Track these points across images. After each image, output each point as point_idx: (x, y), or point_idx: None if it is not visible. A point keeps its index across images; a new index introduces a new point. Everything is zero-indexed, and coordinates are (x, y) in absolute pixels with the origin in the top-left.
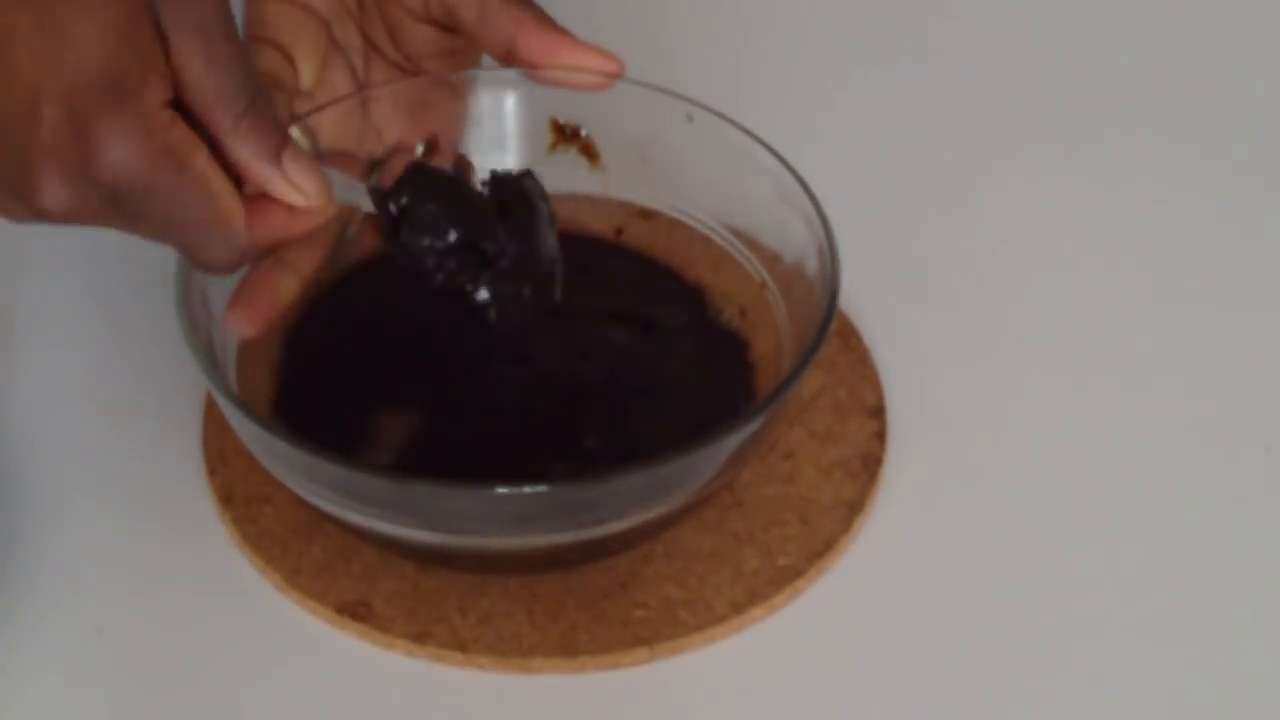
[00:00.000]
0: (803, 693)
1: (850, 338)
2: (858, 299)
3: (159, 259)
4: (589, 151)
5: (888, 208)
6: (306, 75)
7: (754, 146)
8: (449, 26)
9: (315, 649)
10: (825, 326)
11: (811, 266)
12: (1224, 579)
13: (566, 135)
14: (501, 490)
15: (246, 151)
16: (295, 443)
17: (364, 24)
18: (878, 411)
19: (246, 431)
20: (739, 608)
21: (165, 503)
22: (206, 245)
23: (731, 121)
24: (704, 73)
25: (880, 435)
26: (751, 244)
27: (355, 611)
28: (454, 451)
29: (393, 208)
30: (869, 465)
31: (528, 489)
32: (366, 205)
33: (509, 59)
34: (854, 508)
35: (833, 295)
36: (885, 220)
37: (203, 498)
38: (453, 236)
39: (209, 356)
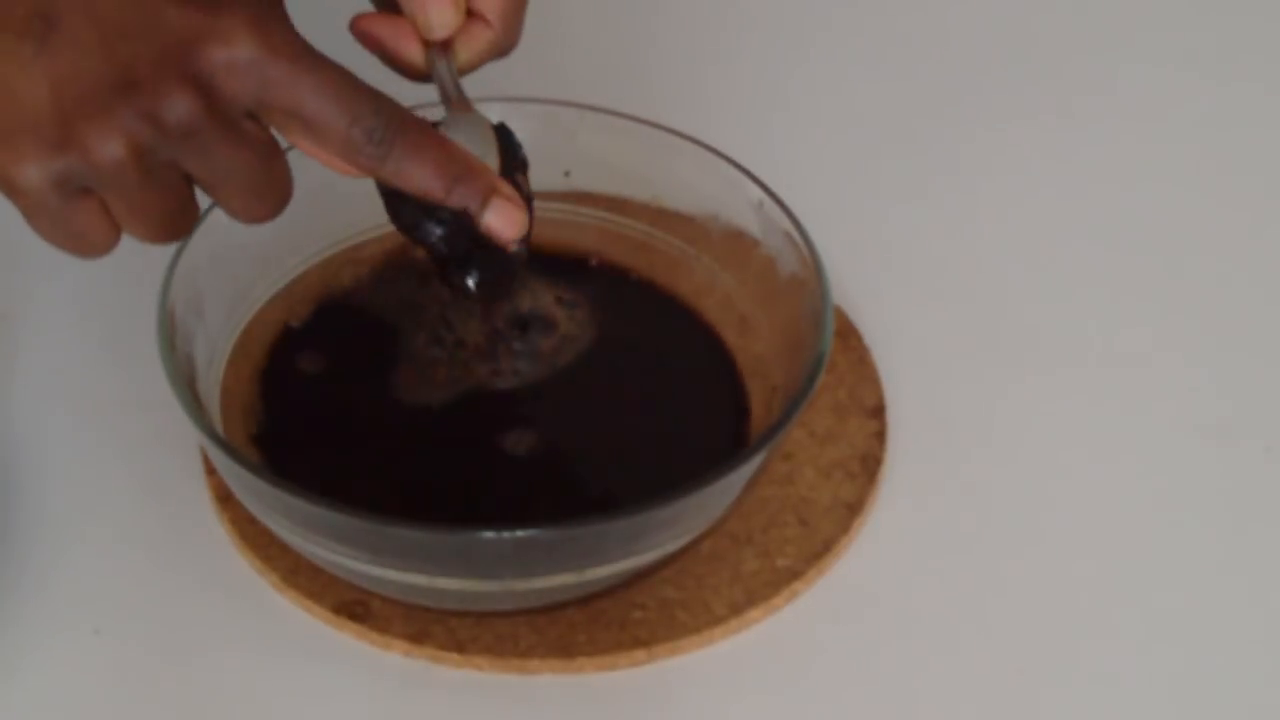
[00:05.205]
0: (801, 694)
1: (850, 338)
2: (857, 299)
3: (157, 260)
4: None
5: (887, 208)
6: None
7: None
8: None
9: (313, 649)
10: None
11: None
12: (1224, 579)
13: None
14: (487, 534)
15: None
16: (272, 481)
17: None
18: (877, 412)
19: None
20: (737, 609)
21: (163, 503)
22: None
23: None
24: (704, 75)
25: (880, 436)
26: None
27: (353, 611)
28: (430, 495)
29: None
30: (868, 466)
31: (509, 534)
32: None
33: None
34: (853, 509)
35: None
36: (885, 220)
37: (201, 498)
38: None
39: (193, 398)
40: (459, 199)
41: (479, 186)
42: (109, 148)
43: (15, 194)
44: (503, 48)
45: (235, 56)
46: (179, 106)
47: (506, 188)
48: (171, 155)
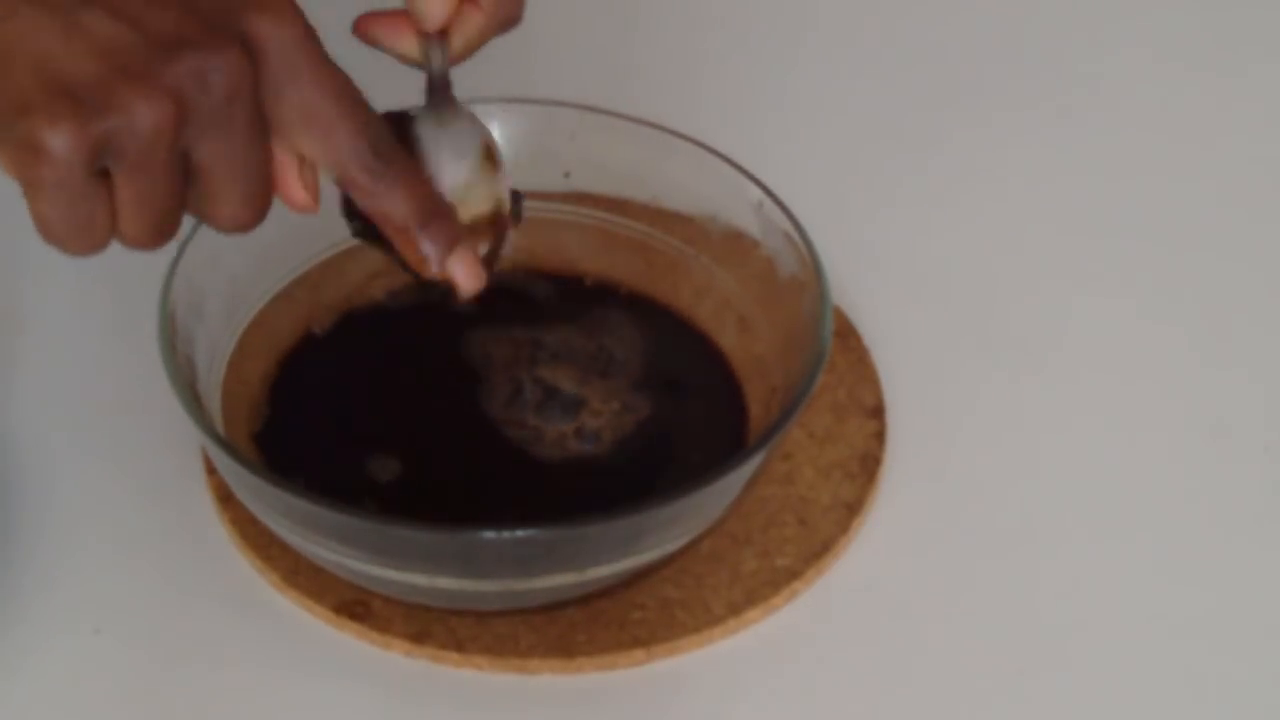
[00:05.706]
0: (800, 695)
1: (849, 338)
2: (857, 299)
3: (157, 260)
4: None
5: (887, 208)
6: None
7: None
8: None
9: (313, 648)
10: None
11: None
12: (1224, 578)
13: None
14: (487, 534)
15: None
16: (272, 481)
17: None
18: (877, 412)
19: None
20: (736, 609)
21: (164, 502)
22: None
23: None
24: (703, 75)
25: (879, 436)
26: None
27: (353, 611)
28: (430, 494)
29: None
30: (867, 466)
31: (509, 534)
32: None
33: None
34: (852, 509)
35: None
36: (885, 220)
37: (202, 498)
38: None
39: (194, 399)
40: (429, 238)
41: (448, 230)
42: (154, 108)
43: (41, 163)
44: (500, 25)
45: (283, 34)
46: (229, 68)
47: (471, 241)
48: (201, 129)
